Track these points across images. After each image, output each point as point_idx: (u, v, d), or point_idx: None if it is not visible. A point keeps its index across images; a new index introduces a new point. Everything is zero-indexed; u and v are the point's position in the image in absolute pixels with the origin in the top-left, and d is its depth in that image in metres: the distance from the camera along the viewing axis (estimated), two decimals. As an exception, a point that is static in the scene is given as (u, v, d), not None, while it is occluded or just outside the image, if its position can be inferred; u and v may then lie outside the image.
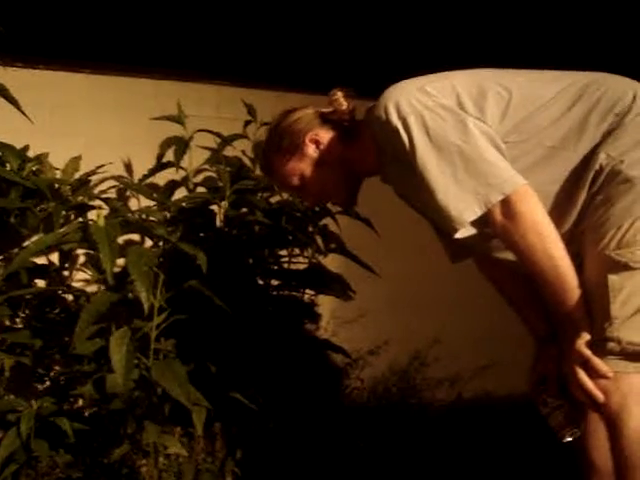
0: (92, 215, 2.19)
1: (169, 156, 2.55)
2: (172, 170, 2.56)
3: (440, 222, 1.50)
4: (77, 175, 2.39)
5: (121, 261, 2.02)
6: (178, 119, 2.57)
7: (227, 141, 2.60)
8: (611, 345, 1.34)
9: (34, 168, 2.30)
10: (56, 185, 2.30)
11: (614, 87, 1.46)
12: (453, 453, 2.54)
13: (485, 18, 3.52)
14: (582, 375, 1.37)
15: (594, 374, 1.36)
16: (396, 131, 1.46)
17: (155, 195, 2.51)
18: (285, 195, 2.48)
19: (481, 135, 1.42)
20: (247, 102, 2.68)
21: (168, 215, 2.40)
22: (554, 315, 1.45)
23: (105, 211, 2.23)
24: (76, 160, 2.42)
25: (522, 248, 1.40)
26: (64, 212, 2.24)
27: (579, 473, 1.58)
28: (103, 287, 2.18)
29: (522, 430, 2.46)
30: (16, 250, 2.25)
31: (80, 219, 2.30)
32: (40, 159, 2.33)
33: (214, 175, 2.56)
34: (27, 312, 2.25)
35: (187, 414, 2.02)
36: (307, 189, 1.69)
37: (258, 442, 2.26)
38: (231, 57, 3.09)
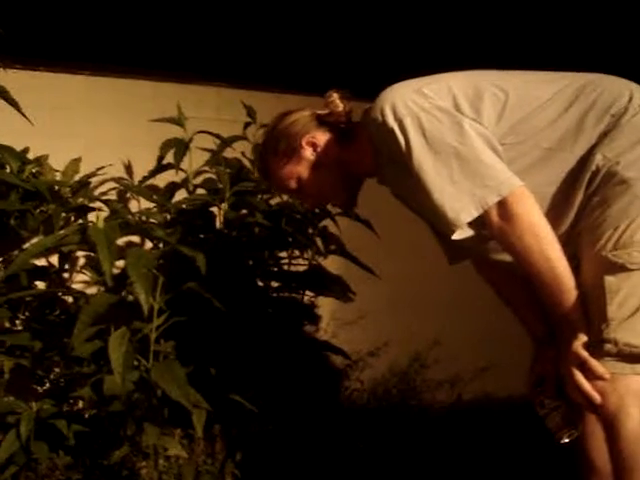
0: (92, 217, 2.19)
1: (169, 158, 2.55)
2: (172, 172, 2.56)
3: (437, 223, 1.50)
4: (77, 177, 2.39)
5: (121, 263, 2.03)
6: (178, 121, 2.58)
7: (227, 143, 2.61)
8: (608, 347, 1.34)
9: (34, 170, 2.30)
10: (56, 187, 2.30)
11: (610, 88, 1.47)
12: (453, 454, 2.53)
13: (482, 19, 3.52)
14: (579, 377, 1.37)
15: (591, 376, 1.36)
16: (392, 133, 1.46)
17: (155, 197, 2.51)
18: (285, 197, 2.48)
19: (477, 136, 1.42)
20: (247, 104, 2.68)
21: (168, 217, 2.40)
22: (551, 316, 1.45)
23: (105, 213, 2.24)
24: (76, 162, 2.42)
25: (519, 250, 1.40)
26: (64, 214, 2.25)
27: (578, 474, 1.58)
28: (103, 289, 2.18)
29: (522, 432, 2.45)
30: (16, 252, 2.26)
31: (80, 221, 2.31)
32: (40, 161, 2.33)
33: (214, 177, 2.57)
34: (27, 314, 2.25)
35: (187, 416, 2.01)
36: (305, 192, 1.69)
37: (258, 444, 2.26)
38: (231, 59, 3.09)
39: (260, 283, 2.49)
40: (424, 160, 1.43)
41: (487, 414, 2.98)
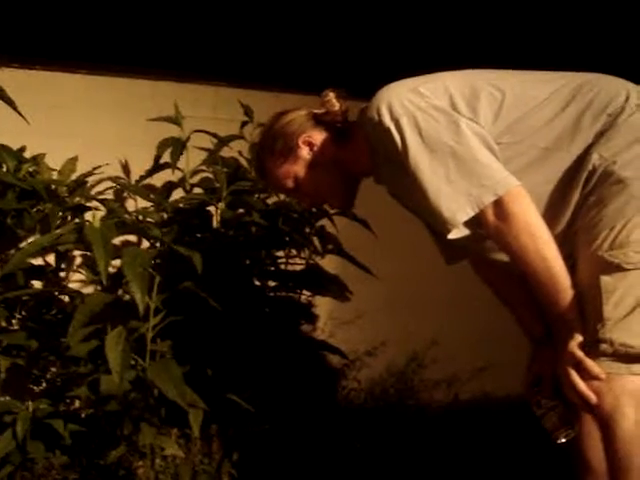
0: (89, 216, 2.18)
1: (166, 157, 2.54)
2: (169, 171, 2.55)
3: (433, 223, 1.50)
4: (74, 176, 2.39)
5: (117, 262, 2.02)
6: (175, 120, 2.57)
7: (224, 142, 2.59)
8: (604, 346, 1.33)
9: (31, 169, 2.30)
10: (53, 186, 2.30)
11: (607, 88, 1.46)
12: (451, 454, 2.53)
13: (479, 18, 3.52)
14: (575, 377, 1.36)
15: (587, 375, 1.35)
16: (388, 132, 1.46)
17: (152, 196, 2.50)
18: (282, 196, 2.47)
19: (474, 136, 1.42)
20: (244, 103, 2.67)
21: (165, 216, 2.40)
22: (548, 316, 1.45)
23: (102, 212, 2.24)
24: (73, 161, 2.42)
25: (515, 249, 1.40)
26: (61, 213, 2.25)
27: (574, 474, 1.59)
28: (99, 288, 2.18)
29: (519, 431, 2.45)
30: (12, 251, 2.25)
31: (77, 220, 2.30)
32: (37, 160, 2.33)
33: (211, 176, 2.56)
34: (23, 313, 2.25)
35: (184, 415, 2.01)
36: (302, 191, 1.69)
37: (255, 443, 2.26)
38: (228, 58, 3.09)
39: (257, 282, 2.49)
40: (420, 159, 1.43)
41: (484, 414, 2.98)
